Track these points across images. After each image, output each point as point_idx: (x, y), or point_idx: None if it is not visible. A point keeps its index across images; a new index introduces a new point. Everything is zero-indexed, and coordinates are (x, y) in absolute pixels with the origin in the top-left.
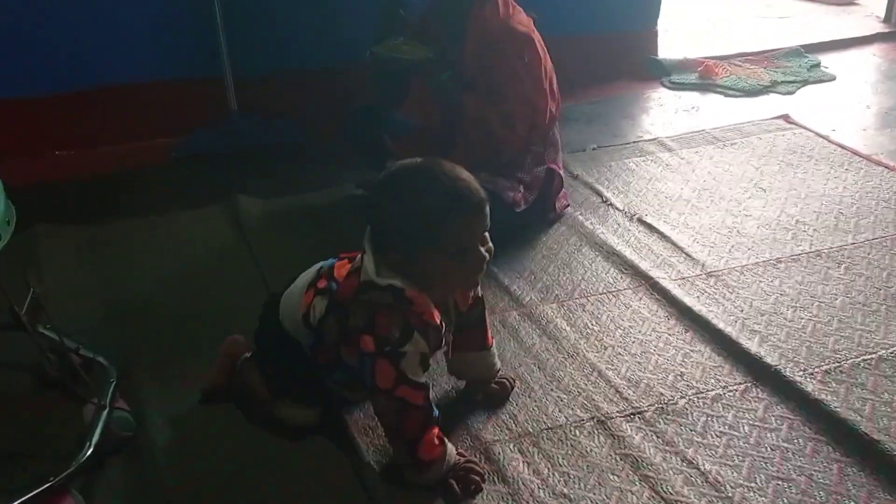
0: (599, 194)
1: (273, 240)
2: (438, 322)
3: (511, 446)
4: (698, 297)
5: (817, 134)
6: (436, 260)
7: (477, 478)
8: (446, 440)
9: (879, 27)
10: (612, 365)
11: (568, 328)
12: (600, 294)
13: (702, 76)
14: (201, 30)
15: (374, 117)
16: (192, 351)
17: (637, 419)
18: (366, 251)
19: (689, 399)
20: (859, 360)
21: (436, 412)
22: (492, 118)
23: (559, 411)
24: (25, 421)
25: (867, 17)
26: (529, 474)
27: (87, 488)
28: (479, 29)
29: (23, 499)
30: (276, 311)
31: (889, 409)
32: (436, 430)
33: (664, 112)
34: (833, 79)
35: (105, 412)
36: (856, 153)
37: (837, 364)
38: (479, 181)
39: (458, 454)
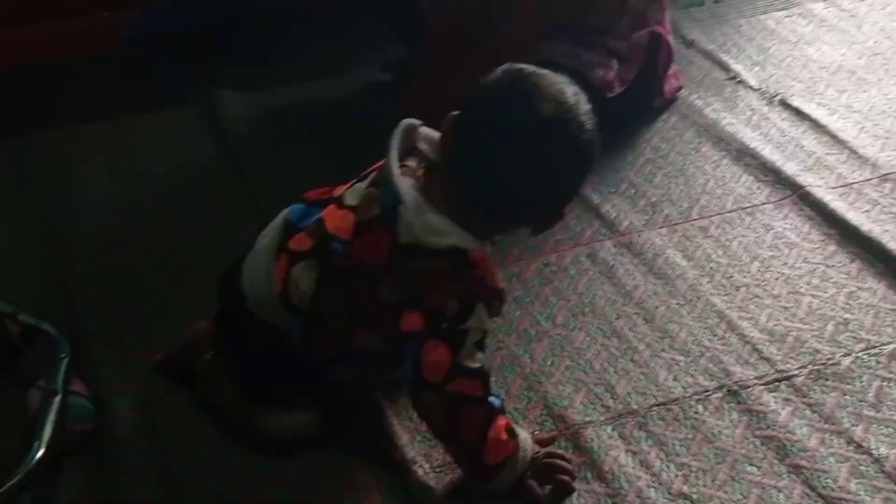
0: (725, 68)
1: (266, 150)
2: (502, 287)
3: (609, 429)
4: (868, 211)
5: None
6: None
7: (565, 476)
8: (518, 430)
9: None
10: (748, 312)
11: (684, 262)
12: (729, 212)
13: None
14: None
15: None
16: (162, 310)
17: (783, 387)
18: (393, 179)
19: (857, 357)
20: None
21: (499, 400)
22: None
23: (674, 379)
24: None
25: None
26: (635, 467)
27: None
28: None
29: None
30: (237, 286)
31: None
32: (502, 423)
33: None
34: None
35: (57, 399)
36: None
37: None
38: (558, 55)
39: (536, 442)
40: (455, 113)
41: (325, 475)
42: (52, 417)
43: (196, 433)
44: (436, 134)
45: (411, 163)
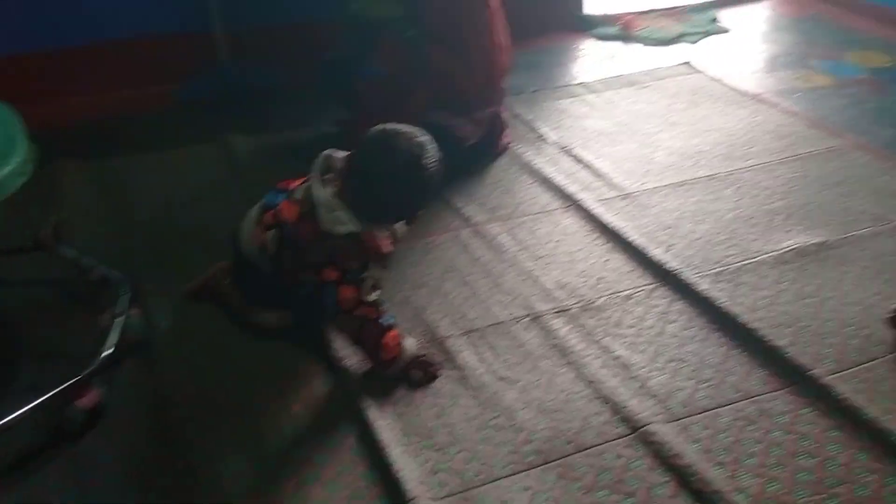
0: (536, 131)
1: (260, 171)
2: (387, 250)
3: (462, 340)
4: (616, 214)
5: (715, 77)
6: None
7: (433, 368)
8: (405, 339)
9: None
10: (545, 271)
11: (510, 242)
12: (536, 214)
13: (622, 28)
14: None
15: (346, 66)
16: (190, 267)
17: (564, 315)
18: (314, 191)
19: (607, 298)
20: (744, 263)
21: (390, 320)
22: (455, 69)
23: (502, 309)
24: (52, 329)
25: None
26: (477, 362)
27: (108, 384)
28: None
29: (52, 392)
30: (238, 240)
31: (766, 302)
32: (392, 334)
33: (591, 60)
34: (729, 30)
35: (121, 318)
36: (747, 93)
37: (726, 267)
38: (439, 118)
39: (419, 349)
40: (350, 152)
41: (292, 357)
42: (116, 330)
43: (209, 343)
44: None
45: (330, 176)
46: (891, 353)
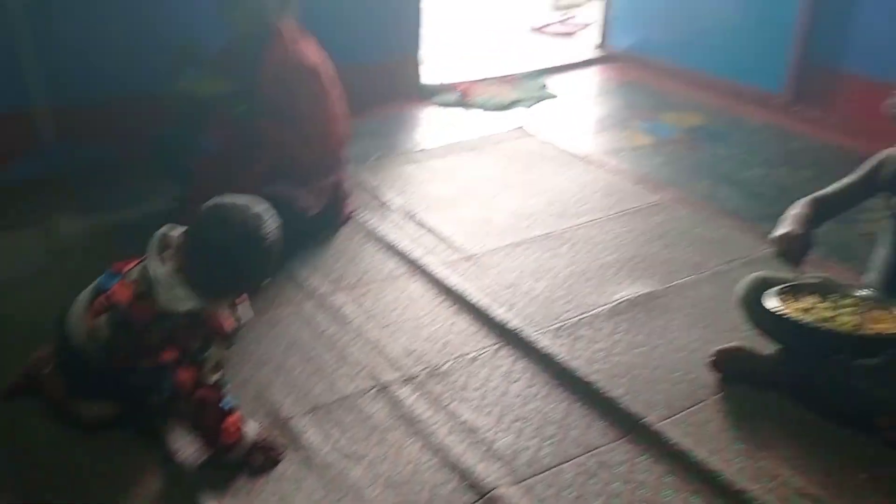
0: (380, 197)
1: (88, 255)
2: (231, 328)
3: (307, 418)
4: (460, 277)
5: (548, 140)
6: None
7: (275, 453)
8: (245, 423)
9: (593, 53)
10: (392, 340)
11: (355, 312)
12: (382, 281)
13: (461, 96)
14: (10, 65)
15: (179, 142)
16: (9, 361)
17: (411, 383)
18: (151, 269)
19: (453, 362)
20: (581, 317)
21: (231, 403)
22: (289, 140)
23: (348, 383)
24: None
25: (584, 45)
26: (322, 440)
27: None
28: (273, 63)
29: None
30: (64, 327)
31: (602, 354)
32: (232, 418)
33: (432, 126)
34: (560, 95)
35: None
36: (576, 154)
37: (564, 322)
38: (278, 191)
39: (260, 433)
40: (187, 228)
41: (123, 452)
42: None
43: (30, 432)
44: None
45: (168, 253)
46: (714, 396)
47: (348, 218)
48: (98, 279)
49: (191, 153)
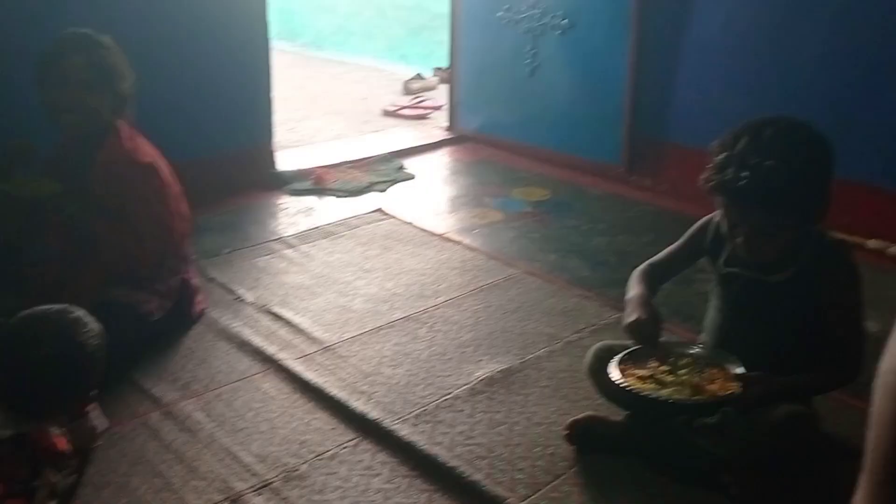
0: (233, 292)
1: None
2: (63, 448)
3: None
4: (316, 370)
5: (405, 221)
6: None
7: None
8: None
9: (445, 135)
10: (244, 446)
11: (205, 419)
12: (234, 383)
13: (315, 182)
14: None
15: (7, 249)
16: None
17: (266, 491)
18: None
19: (311, 462)
20: (440, 401)
21: None
22: (124, 240)
23: (196, 498)
24: None
25: (436, 127)
26: None
27: None
28: (104, 161)
29: None
30: None
31: (462, 438)
32: None
33: (287, 215)
34: (414, 177)
35: None
36: (433, 233)
37: (424, 408)
38: (118, 295)
39: None
40: None
41: None
42: None
43: None
44: None
45: None
46: (572, 468)
47: (198, 317)
48: None
49: (23, 260)
